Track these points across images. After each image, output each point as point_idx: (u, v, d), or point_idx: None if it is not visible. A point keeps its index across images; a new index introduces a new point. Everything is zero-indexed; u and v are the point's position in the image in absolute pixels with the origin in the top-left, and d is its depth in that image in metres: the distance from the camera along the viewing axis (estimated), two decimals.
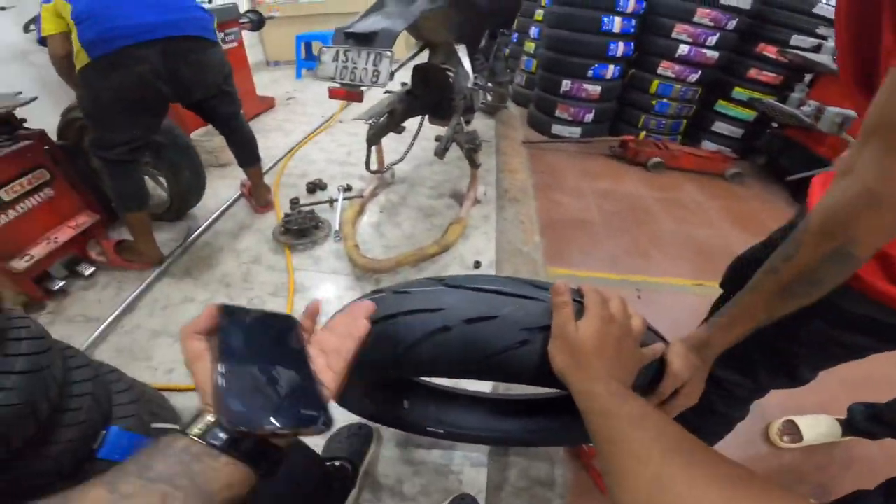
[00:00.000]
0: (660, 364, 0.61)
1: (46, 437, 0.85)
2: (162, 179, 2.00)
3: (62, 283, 1.67)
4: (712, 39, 2.83)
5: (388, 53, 1.45)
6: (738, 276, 1.00)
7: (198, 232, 1.98)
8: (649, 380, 0.61)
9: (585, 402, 0.49)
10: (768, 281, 0.55)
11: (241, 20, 3.13)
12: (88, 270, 1.75)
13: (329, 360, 0.44)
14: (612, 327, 0.53)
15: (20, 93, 1.67)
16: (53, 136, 1.74)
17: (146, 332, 1.52)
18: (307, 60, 4.61)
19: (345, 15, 4.78)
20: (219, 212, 2.12)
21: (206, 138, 2.57)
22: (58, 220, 1.68)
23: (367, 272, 1.75)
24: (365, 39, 1.49)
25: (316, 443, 1.17)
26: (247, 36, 3.32)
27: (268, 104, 3.56)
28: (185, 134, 1.96)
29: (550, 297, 0.56)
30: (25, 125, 1.63)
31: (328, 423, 0.38)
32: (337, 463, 1.08)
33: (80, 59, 1.43)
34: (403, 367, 0.62)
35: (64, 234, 1.67)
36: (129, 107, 1.54)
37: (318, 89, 4.14)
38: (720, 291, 1.08)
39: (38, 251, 1.58)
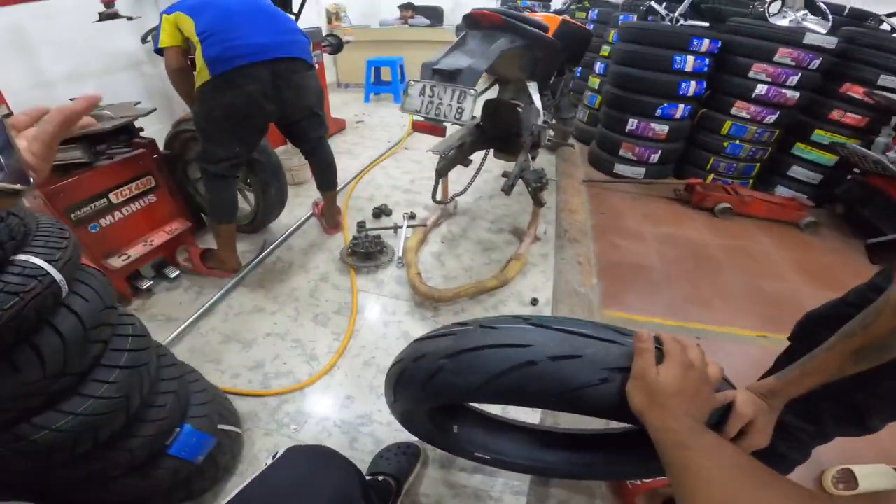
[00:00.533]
0: (727, 408, 0.64)
1: (131, 431, 0.91)
2: (249, 193, 2.18)
3: (150, 283, 1.83)
4: (793, 79, 2.72)
5: (473, 92, 1.52)
6: (808, 331, 0.99)
7: (273, 246, 2.13)
8: (717, 420, 0.64)
9: (662, 435, 0.53)
10: (843, 343, 0.60)
11: (323, 43, 3.34)
12: (174, 273, 1.91)
13: (30, 146, 0.42)
14: (691, 373, 0.57)
15: (139, 102, 1.87)
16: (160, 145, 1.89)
17: (219, 335, 1.65)
18: (375, 85, 4.85)
19: (413, 43, 5.08)
20: (293, 228, 2.28)
21: (286, 157, 2.77)
22: (155, 225, 1.86)
23: (427, 300, 1.81)
24: (450, 76, 1.57)
25: (363, 458, 1.23)
26: (324, 59, 3.53)
27: (339, 126, 3.77)
28: (275, 153, 2.11)
29: (633, 342, 0.61)
30: (142, 134, 1.78)
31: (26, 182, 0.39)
32: (380, 478, 1.12)
33: (202, 76, 1.54)
34: (484, 395, 0.68)
35: (159, 237, 1.84)
36: (237, 124, 1.64)
37: (384, 114, 4.33)
38: (784, 344, 1.06)
39: (135, 252, 1.75)
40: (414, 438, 1.22)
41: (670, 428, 0.53)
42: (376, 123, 3.99)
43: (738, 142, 3.00)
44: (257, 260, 2.03)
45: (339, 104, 4.51)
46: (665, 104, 2.97)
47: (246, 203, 2.20)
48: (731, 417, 0.63)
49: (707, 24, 2.95)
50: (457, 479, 1.23)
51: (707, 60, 2.86)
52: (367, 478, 1.12)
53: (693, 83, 2.90)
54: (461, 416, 1.08)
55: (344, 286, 1.93)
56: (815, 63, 2.67)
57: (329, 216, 2.28)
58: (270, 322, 1.72)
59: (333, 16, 5.15)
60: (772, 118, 2.87)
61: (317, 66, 3.23)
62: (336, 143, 3.45)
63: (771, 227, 2.74)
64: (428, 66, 1.63)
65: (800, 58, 2.66)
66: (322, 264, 2.06)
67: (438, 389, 0.73)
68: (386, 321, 1.75)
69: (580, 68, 3.96)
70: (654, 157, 3.14)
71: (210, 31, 1.51)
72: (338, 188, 2.28)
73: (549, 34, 1.90)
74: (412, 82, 1.64)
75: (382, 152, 3.27)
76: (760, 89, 2.80)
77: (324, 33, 3.59)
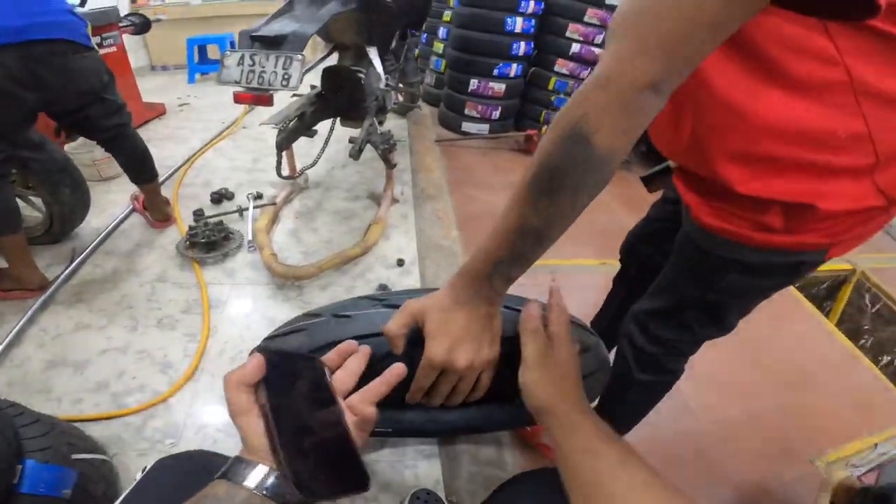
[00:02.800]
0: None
1: None
2: (36, 199, 1.77)
3: None
4: (599, 38, 3.09)
5: (300, 56, 1.41)
6: (630, 248, 1.14)
7: (85, 253, 1.77)
8: None
9: (569, 437, 0.46)
10: (519, 185, 0.50)
11: (122, 24, 2.87)
12: None
13: (357, 424, 0.45)
14: (576, 347, 0.54)
15: None
16: None
17: (39, 363, 1.35)
18: (201, 64, 4.30)
19: (240, 17, 4.57)
20: (109, 229, 1.92)
21: (84, 150, 2.29)
22: None
23: (287, 280, 1.69)
24: (273, 43, 1.44)
25: None
26: (129, 40, 3.05)
27: (157, 111, 3.27)
28: (60, 147, 1.75)
29: (520, 323, 0.56)
30: None
31: (368, 485, 0.40)
32: None
33: None
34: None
35: None
36: None
37: (215, 95, 3.87)
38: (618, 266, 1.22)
39: None
40: None
41: (581, 427, 0.46)
42: (206, 105, 3.54)
43: (562, 95, 3.33)
44: (68, 271, 1.67)
45: (155, 88, 3.88)
46: (501, 64, 3.19)
47: (36, 210, 1.80)
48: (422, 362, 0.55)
49: None
50: (367, 458, 1.20)
51: (533, 21, 3.10)
52: None
53: (523, 43, 3.13)
54: None
55: (188, 282, 1.70)
56: None
57: (154, 208, 1.97)
58: (102, 338, 1.45)
59: None
60: (585, 74, 3.24)
61: (115, 49, 2.78)
62: (156, 130, 2.97)
63: None
64: (246, 34, 1.48)
65: (604, 17, 3.01)
66: (155, 264, 1.78)
67: None
68: (247, 311, 1.59)
69: (425, 34, 3.98)
70: (496, 114, 3.37)
71: None
72: (160, 178, 1.97)
73: None
74: (228, 53, 1.47)
75: (216, 134, 2.92)
76: (575, 48, 3.13)
77: (124, 13, 3.07)
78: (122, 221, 2.00)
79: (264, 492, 0.36)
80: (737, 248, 0.69)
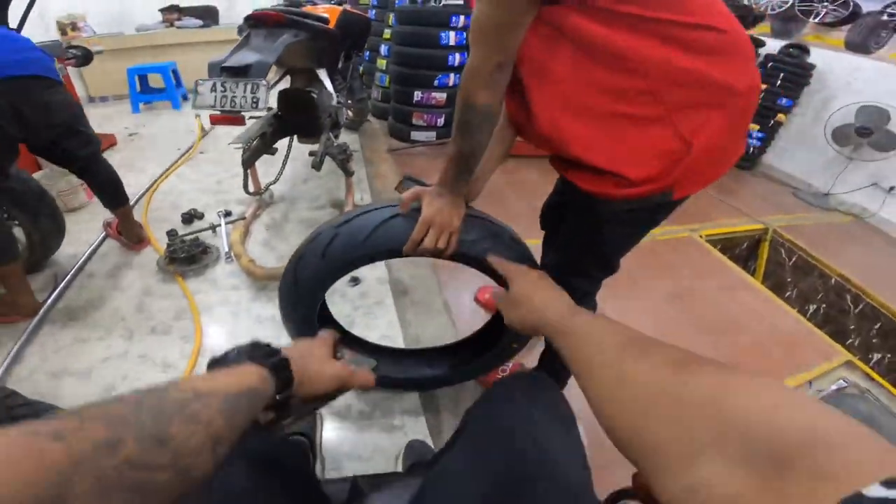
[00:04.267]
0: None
1: None
2: (16, 229, 1.87)
3: None
4: None
5: (264, 82, 1.64)
6: (544, 217, 1.32)
7: (69, 276, 1.88)
8: None
9: (554, 335, 0.61)
10: (453, 134, 0.88)
11: (67, 56, 2.95)
12: None
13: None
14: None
15: None
16: None
17: (45, 375, 1.47)
18: (143, 94, 4.34)
19: (173, 47, 4.65)
20: (86, 255, 2.02)
21: (48, 182, 2.38)
22: None
23: (268, 280, 1.87)
24: (240, 72, 1.66)
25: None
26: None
27: (109, 142, 3.32)
28: (32, 177, 1.87)
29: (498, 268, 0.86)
30: None
31: None
32: (291, 439, 1.19)
33: None
34: (368, 247, 0.94)
35: None
36: None
37: (164, 122, 3.93)
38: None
39: None
40: None
41: (551, 321, 0.63)
42: (156, 133, 3.62)
43: None
44: (56, 293, 1.78)
45: (101, 119, 3.88)
46: (440, 75, 3.44)
47: (20, 236, 1.89)
48: (419, 220, 0.92)
49: (461, 2, 3.47)
50: (358, 423, 1.38)
51: (464, 34, 3.36)
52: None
53: (458, 55, 3.39)
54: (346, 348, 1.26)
55: (174, 293, 1.85)
56: None
57: (128, 232, 2.09)
58: (102, 347, 1.58)
59: (68, 27, 4.32)
60: None
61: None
62: (111, 160, 2.87)
63: (533, 161, 3.36)
64: (216, 65, 1.69)
65: None
66: (138, 281, 1.92)
67: (336, 254, 0.94)
68: (234, 311, 1.77)
69: (368, 52, 4.18)
70: (440, 121, 3.62)
71: None
72: (130, 203, 2.11)
73: (331, 24, 2.09)
74: (201, 81, 1.67)
75: (175, 160, 3.03)
76: None
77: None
78: (98, 246, 2.11)
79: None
80: (607, 203, 0.88)
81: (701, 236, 2.77)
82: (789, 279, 3.10)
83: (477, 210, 1.04)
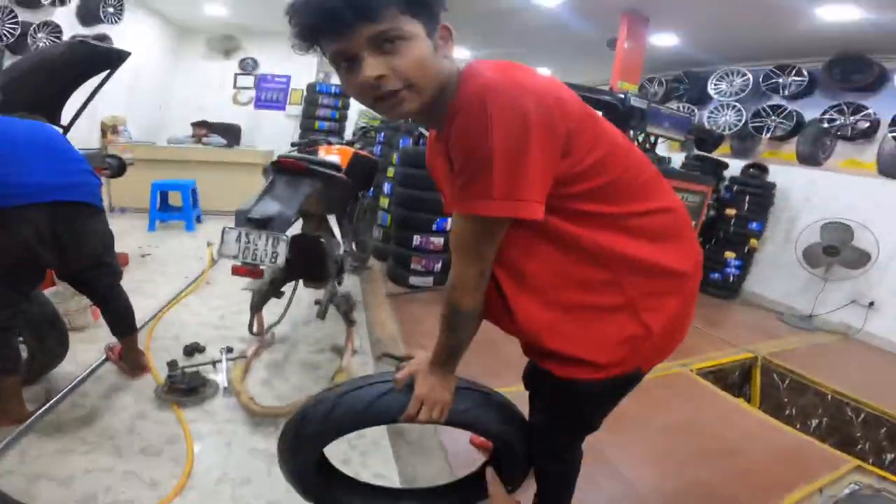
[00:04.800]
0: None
1: None
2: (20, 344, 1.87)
3: None
4: None
5: (285, 238, 1.78)
6: (525, 379, 1.32)
7: (63, 392, 1.86)
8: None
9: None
10: (440, 326, 0.96)
11: (103, 166, 3.01)
12: None
13: None
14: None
15: None
16: None
17: (22, 478, 1.41)
18: (162, 212, 4.41)
19: (201, 164, 4.83)
20: (84, 375, 2.03)
21: (59, 300, 2.47)
22: None
23: (267, 418, 1.89)
24: (263, 224, 1.80)
25: None
26: None
27: (122, 261, 3.33)
28: (49, 300, 1.92)
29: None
30: None
31: None
32: None
33: None
34: (366, 418, 1.03)
35: None
36: (8, 270, 1.49)
37: (175, 245, 4.04)
38: None
39: None
40: None
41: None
42: (167, 256, 3.73)
43: None
44: (47, 406, 1.75)
45: (118, 233, 3.97)
46: (438, 219, 3.53)
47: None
48: (413, 397, 0.98)
49: None
50: None
51: None
52: None
53: None
54: (341, 485, 1.32)
55: (168, 420, 1.83)
56: None
57: (131, 360, 2.12)
58: (86, 460, 1.53)
59: (109, 129, 4.59)
60: None
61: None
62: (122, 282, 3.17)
63: None
64: (242, 214, 1.80)
65: None
66: (133, 404, 1.91)
67: (337, 419, 1.03)
68: (227, 442, 1.75)
69: (371, 190, 4.18)
70: (437, 267, 3.68)
71: None
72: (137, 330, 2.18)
73: (343, 166, 2.28)
74: (227, 229, 1.80)
75: (182, 288, 3.15)
76: None
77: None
78: (96, 368, 2.12)
79: None
80: (583, 383, 0.93)
81: (692, 370, 2.80)
82: (786, 399, 3.09)
83: (465, 381, 1.11)
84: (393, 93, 0.74)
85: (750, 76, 4.77)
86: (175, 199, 4.59)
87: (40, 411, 1.72)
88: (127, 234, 4.10)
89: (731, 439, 2.12)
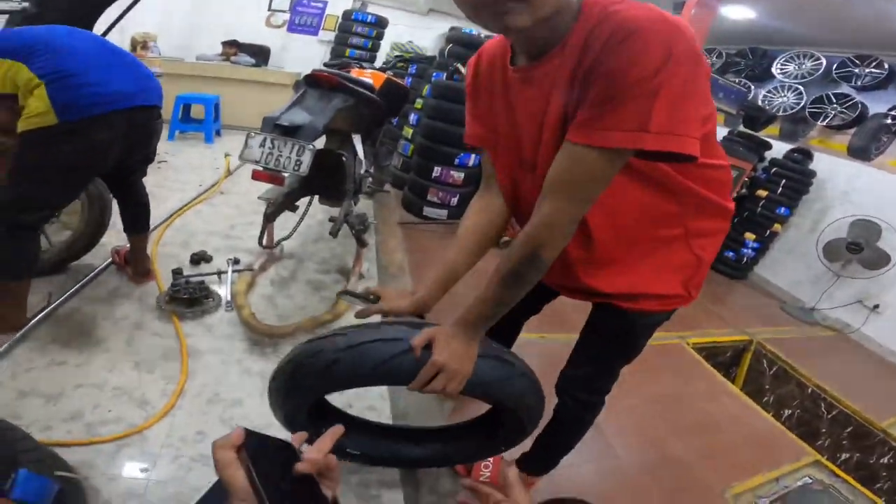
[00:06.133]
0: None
1: None
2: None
3: None
4: None
5: (311, 147, 1.70)
6: None
7: (64, 297, 1.83)
8: None
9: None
10: (493, 275, 0.87)
11: None
12: None
13: (323, 473, 0.53)
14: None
15: None
16: None
17: (11, 392, 1.39)
18: (183, 122, 4.44)
19: (228, 81, 4.84)
20: (89, 277, 2.00)
21: None
22: None
23: (266, 337, 1.85)
24: (290, 131, 1.72)
25: None
26: None
27: None
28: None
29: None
30: None
31: None
32: None
33: (44, 119, 1.36)
34: (373, 377, 0.93)
35: None
36: (75, 174, 1.52)
37: (192, 154, 4.00)
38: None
39: None
40: None
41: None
42: (183, 164, 3.68)
43: None
44: (45, 313, 1.72)
45: None
46: (462, 154, 3.52)
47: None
48: (428, 363, 0.88)
49: None
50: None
51: None
52: None
53: None
54: (328, 420, 1.22)
55: (166, 333, 1.80)
56: None
57: (137, 263, 2.08)
58: (78, 373, 1.51)
59: (140, 45, 4.50)
60: None
61: None
62: None
63: None
64: (270, 120, 1.76)
65: None
66: (133, 313, 1.88)
67: (337, 374, 0.92)
68: (224, 360, 1.72)
69: (397, 119, 4.18)
70: (454, 201, 3.63)
71: (60, 73, 1.37)
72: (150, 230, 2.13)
73: (376, 91, 2.20)
74: (252, 134, 1.74)
75: (194, 196, 3.08)
76: None
77: None
78: (100, 272, 2.09)
79: None
80: (643, 316, 1.03)
81: (688, 343, 2.85)
82: (767, 386, 3.22)
83: (489, 343, 1.00)
84: (503, 1, 0.67)
85: (824, 61, 4.46)
86: (197, 112, 4.62)
87: (37, 318, 1.69)
88: None
89: (713, 417, 2.19)
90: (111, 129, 1.49)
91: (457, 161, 3.56)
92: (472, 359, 0.92)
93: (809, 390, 2.97)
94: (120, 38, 4.32)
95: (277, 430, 1.39)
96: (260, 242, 2.28)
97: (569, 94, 0.75)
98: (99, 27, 2.32)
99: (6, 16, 1.96)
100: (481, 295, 0.89)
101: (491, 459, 1.43)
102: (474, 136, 1.00)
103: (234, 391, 1.58)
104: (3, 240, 1.49)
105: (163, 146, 3.95)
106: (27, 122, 1.39)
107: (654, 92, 0.65)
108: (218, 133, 4.74)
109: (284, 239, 2.50)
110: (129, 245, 2.08)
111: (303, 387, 0.98)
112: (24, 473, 0.93)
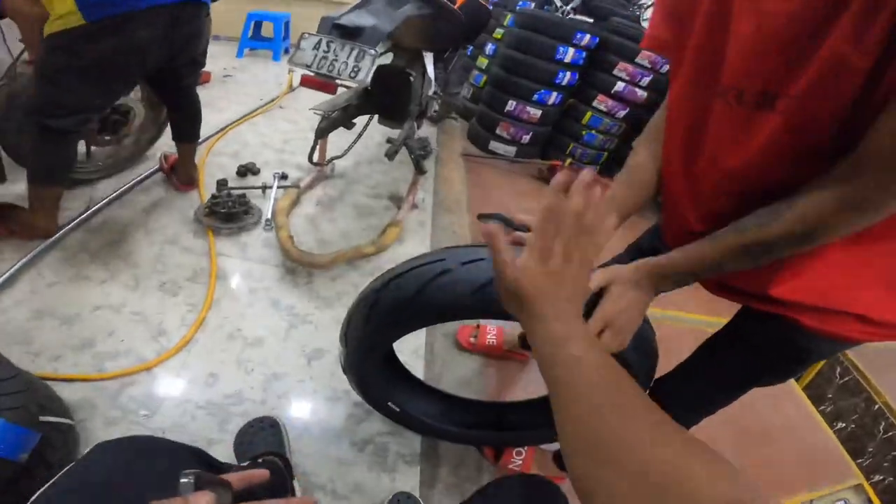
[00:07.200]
0: (597, 296, 0.71)
1: None
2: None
3: None
4: (646, 80, 3.06)
5: (373, 52, 1.42)
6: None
7: (101, 204, 1.74)
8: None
9: (536, 346, 0.46)
10: (731, 237, 0.63)
11: None
12: None
13: None
14: (553, 262, 0.47)
15: None
16: None
17: (26, 311, 1.31)
18: (253, 40, 4.34)
19: (302, 1, 4.62)
20: (130, 184, 1.90)
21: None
22: None
23: (301, 264, 1.66)
24: (351, 34, 1.46)
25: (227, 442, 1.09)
26: None
27: (204, 78, 3.29)
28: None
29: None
30: None
31: None
32: (260, 460, 1.00)
33: (67, 21, 1.24)
34: (472, 303, 0.75)
35: None
36: (110, 75, 1.40)
37: (258, 70, 3.88)
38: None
39: None
40: (267, 411, 1.17)
41: (542, 337, 0.45)
42: (248, 79, 3.55)
43: (593, 132, 3.29)
44: (76, 222, 1.63)
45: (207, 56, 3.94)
46: (542, 90, 3.15)
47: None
48: (595, 314, 0.68)
49: (592, 21, 3.16)
50: (343, 453, 1.16)
51: (584, 54, 3.07)
52: (246, 464, 0.99)
53: (569, 73, 3.09)
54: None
55: (199, 250, 1.67)
56: (665, 67, 3.02)
57: (184, 171, 1.96)
58: (100, 293, 1.42)
59: None
60: (622, 113, 3.18)
61: None
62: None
63: None
64: (328, 20, 1.50)
65: (655, 60, 2.98)
66: (170, 225, 1.76)
67: (430, 300, 0.77)
68: (252, 288, 1.56)
69: (471, 47, 3.97)
70: (526, 138, 3.32)
71: None
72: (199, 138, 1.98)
73: (458, 3, 1.88)
74: (306, 35, 1.48)
75: (253, 109, 2.92)
76: (619, 86, 3.09)
77: None
78: (145, 178, 1.98)
79: None
80: (832, 343, 0.75)
81: None
82: (830, 395, 2.83)
83: None
84: None
85: None
86: (268, 30, 4.49)
87: (69, 226, 1.61)
88: (214, 57, 3.98)
89: (771, 425, 1.95)
90: (149, 27, 1.34)
91: (535, 97, 3.19)
92: (642, 316, 0.74)
93: (876, 407, 2.63)
94: None
95: (287, 385, 1.26)
96: (310, 159, 2.06)
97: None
98: None
99: None
100: (698, 251, 0.67)
101: (525, 448, 1.22)
102: (653, 38, 0.76)
103: (258, 327, 1.43)
104: (35, 143, 1.43)
105: (230, 62, 4.01)
106: (51, 24, 1.27)
107: None
108: (287, 51, 4.58)
109: (337, 157, 2.26)
110: (177, 152, 1.95)
111: (430, 305, 0.78)
112: (1, 423, 0.82)
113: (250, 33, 4.30)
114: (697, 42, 0.66)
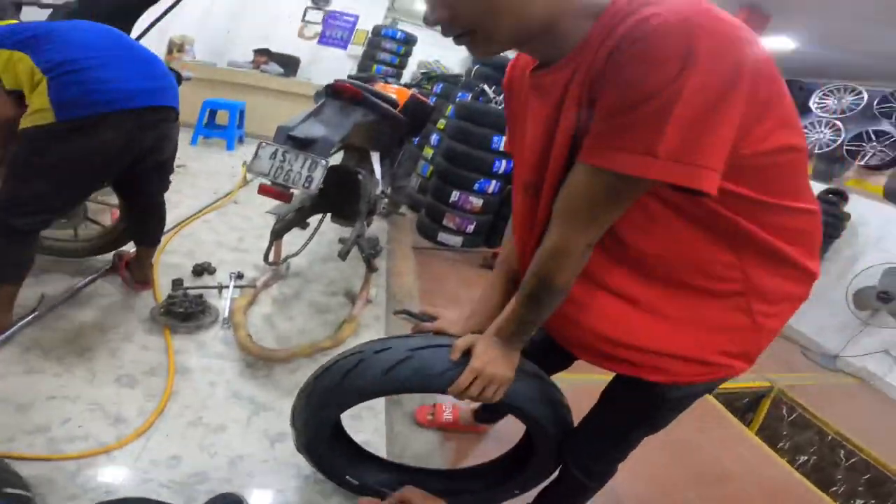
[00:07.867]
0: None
1: None
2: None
3: None
4: None
5: (324, 163, 1.59)
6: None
7: (55, 302, 1.73)
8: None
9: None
10: (519, 292, 0.84)
11: None
12: None
13: None
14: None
15: None
16: None
17: None
18: (207, 128, 4.43)
19: (261, 90, 4.90)
20: (84, 281, 1.92)
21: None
22: None
23: (261, 360, 1.72)
24: (303, 144, 1.61)
25: None
26: None
27: None
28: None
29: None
30: None
31: None
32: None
33: (39, 118, 1.29)
34: (440, 382, 0.92)
35: None
36: (77, 177, 1.44)
37: (212, 161, 3.98)
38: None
39: None
40: (233, 489, 1.20)
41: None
42: (201, 170, 3.63)
43: None
44: (30, 318, 1.62)
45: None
46: (482, 179, 3.40)
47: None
48: (466, 369, 0.88)
49: None
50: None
51: None
52: None
53: (504, 161, 3.35)
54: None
55: (155, 347, 1.69)
56: None
57: (139, 271, 2.00)
58: (54, 384, 1.40)
59: (176, 47, 4.60)
60: None
61: None
62: None
63: None
64: (283, 131, 1.64)
65: None
66: (124, 324, 1.77)
67: (402, 376, 0.92)
68: (212, 381, 1.59)
69: (418, 138, 4.12)
70: (471, 228, 3.51)
71: (63, 68, 1.29)
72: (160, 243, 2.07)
73: (399, 107, 2.12)
74: (263, 144, 1.63)
75: (207, 204, 3.00)
76: None
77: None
78: (98, 277, 2.00)
79: None
80: (675, 388, 0.88)
81: None
82: (785, 433, 3.16)
83: (530, 365, 1.02)
84: (457, 37, 0.66)
85: (865, 95, 4.28)
86: (222, 118, 4.60)
87: (21, 323, 1.59)
88: None
89: (725, 465, 2.12)
90: (116, 129, 1.39)
91: (476, 186, 3.44)
92: (511, 367, 0.91)
93: (829, 438, 2.91)
94: (159, 39, 4.41)
95: (251, 465, 1.30)
96: (266, 259, 2.19)
97: (581, 106, 0.66)
98: (139, 27, 2.38)
99: (50, 10, 1.99)
100: (508, 312, 0.89)
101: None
102: (507, 143, 0.99)
103: (219, 416, 1.45)
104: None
105: (184, 151, 3.92)
106: (25, 119, 1.33)
107: (667, 111, 0.55)
108: (241, 140, 4.73)
109: (291, 256, 2.40)
110: (134, 252, 2.00)
111: (353, 388, 0.97)
112: None
113: (205, 121, 4.37)
114: (518, 146, 0.87)
